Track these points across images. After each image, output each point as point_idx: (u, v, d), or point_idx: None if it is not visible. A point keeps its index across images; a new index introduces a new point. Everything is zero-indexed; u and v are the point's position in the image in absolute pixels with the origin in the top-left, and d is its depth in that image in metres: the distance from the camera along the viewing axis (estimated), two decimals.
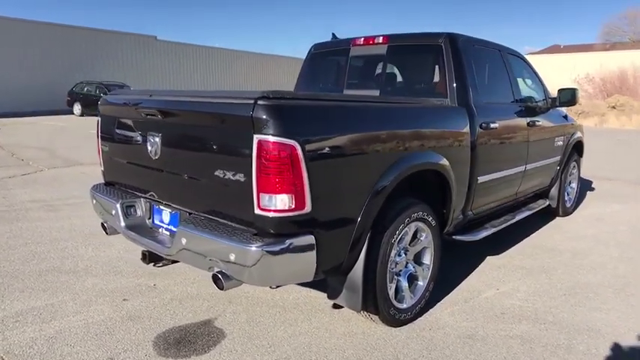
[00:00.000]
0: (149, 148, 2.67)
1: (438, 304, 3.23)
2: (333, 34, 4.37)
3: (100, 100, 3.23)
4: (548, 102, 4.74)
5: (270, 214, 2.12)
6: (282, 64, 37.56)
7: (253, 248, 2.09)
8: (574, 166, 5.68)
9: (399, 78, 3.92)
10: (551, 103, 4.75)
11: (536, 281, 3.69)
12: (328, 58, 4.34)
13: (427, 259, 3.09)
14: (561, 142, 5.09)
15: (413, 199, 2.86)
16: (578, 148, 5.67)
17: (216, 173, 2.28)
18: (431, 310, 3.12)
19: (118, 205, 2.85)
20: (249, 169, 2.12)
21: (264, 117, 2.06)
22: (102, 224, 3.12)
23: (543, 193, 5.15)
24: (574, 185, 5.78)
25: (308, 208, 2.17)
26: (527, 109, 4.30)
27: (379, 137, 2.59)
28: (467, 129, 3.32)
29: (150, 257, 2.86)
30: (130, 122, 2.88)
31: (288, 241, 2.13)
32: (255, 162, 2.09)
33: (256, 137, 2.08)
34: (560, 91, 4.66)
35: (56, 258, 3.97)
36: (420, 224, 2.93)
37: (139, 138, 2.77)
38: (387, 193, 2.56)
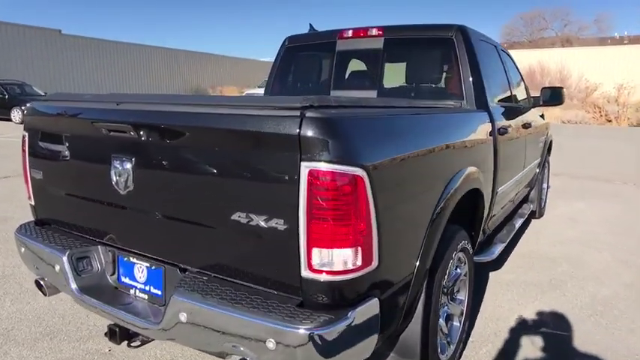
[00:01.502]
0: (114, 178, 1.87)
1: (469, 341, 2.74)
2: (311, 25, 3.73)
3: (26, 109, 2.32)
4: (530, 101, 4.48)
5: (325, 277, 1.47)
6: (211, 62, 35.65)
7: (301, 331, 1.42)
8: (546, 166, 5.54)
9: (401, 77, 3.37)
10: (533, 101, 4.48)
11: (553, 300, 3.36)
12: (307, 53, 3.69)
13: (462, 294, 2.58)
14: (542, 143, 4.88)
15: (455, 226, 2.33)
16: (549, 147, 5.53)
17: (236, 217, 1.57)
18: (466, 352, 2.63)
19: (65, 259, 2.01)
20: (294, 212, 1.45)
21: (318, 135, 1.40)
22: (36, 282, 2.24)
23: (526, 197, 4.91)
24: (545, 185, 5.64)
25: (375, 262, 1.54)
26: (522, 109, 3.97)
27: (437, 152, 2.03)
28: (490, 136, 2.86)
29: (122, 334, 2.01)
30: (80, 141, 2.05)
31: (349, 316, 1.49)
32: (305, 201, 1.43)
33: (306, 165, 1.41)
34: (545, 89, 4.39)
35: None
36: (461, 255, 2.42)
37: (97, 163, 1.95)
38: (444, 222, 2.01)
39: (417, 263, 1.87)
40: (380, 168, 1.55)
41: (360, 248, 1.47)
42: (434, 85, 3.20)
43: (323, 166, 1.40)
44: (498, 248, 3.34)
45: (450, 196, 2.08)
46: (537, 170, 4.91)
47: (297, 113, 1.42)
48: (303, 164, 1.41)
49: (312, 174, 1.41)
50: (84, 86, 26.08)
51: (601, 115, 17.18)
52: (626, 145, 12.47)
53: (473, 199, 2.56)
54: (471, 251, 2.53)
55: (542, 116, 5.06)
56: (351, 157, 1.44)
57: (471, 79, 2.94)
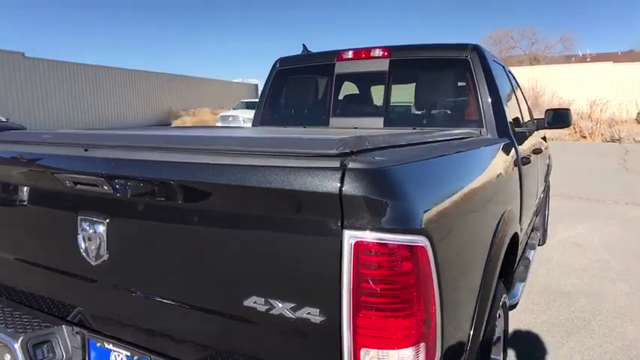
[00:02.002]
0: (83, 244, 1.44)
1: None
2: (304, 45, 3.38)
3: None
4: (534, 123, 4.22)
5: None
6: (183, 84, 34.83)
7: None
8: (549, 190, 5.30)
9: (409, 102, 3.04)
10: (537, 124, 4.23)
11: (581, 343, 3.03)
12: (301, 77, 3.33)
13: (499, 353, 2.21)
14: (546, 167, 4.63)
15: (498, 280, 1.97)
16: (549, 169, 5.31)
17: (250, 303, 1.16)
18: None
19: (18, 347, 1.55)
20: (333, 299, 1.06)
21: (367, 194, 1.03)
22: None
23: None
24: (547, 210, 5.39)
25: (438, 356, 1.15)
26: (530, 132, 3.70)
27: (485, 195, 1.70)
28: (515, 166, 2.54)
29: None
30: (39, 195, 1.61)
31: None
32: (350, 284, 1.04)
33: (351, 235, 1.03)
34: (549, 111, 4.14)
35: None
36: (500, 311, 2.06)
37: (60, 224, 1.52)
38: (495, 279, 1.66)
39: (471, 334, 1.50)
40: (442, 230, 1.18)
41: (423, 344, 1.08)
42: (448, 111, 2.87)
43: (374, 236, 1.02)
44: (520, 288, 3.01)
45: (498, 247, 1.74)
46: (542, 195, 4.65)
47: (336, 164, 1.04)
48: (347, 233, 1.04)
49: (360, 247, 1.03)
50: (49, 112, 25.06)
51: (575, 132, 17.37)
52: (603, 161, 12.53)
53: (510, 243, 2.22)
54: (507, 303, 2.18)
55: (544, 138, 4.82)
56: (410, 221, 1.07)
57: (490, 103, 2.63)
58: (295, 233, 1.11)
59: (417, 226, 1.07)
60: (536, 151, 3.61)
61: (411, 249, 1.05)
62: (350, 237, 1.03)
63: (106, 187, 1.35)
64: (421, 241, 1.06)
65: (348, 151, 1.09)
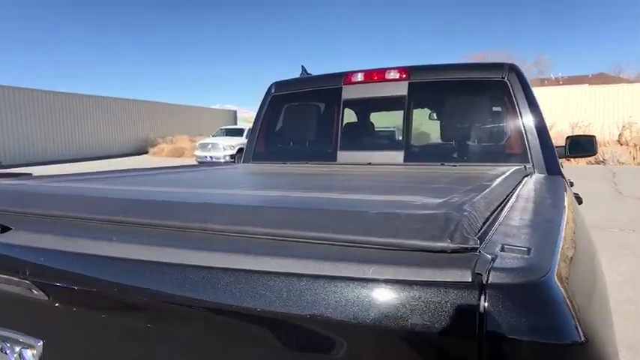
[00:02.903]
0: None
1: None
2: (303, 67, 2.92)
3: None
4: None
5: None
6: (160, 110, 34.01)
7: None
8: None
9: (434, 132, 2.58)
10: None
11: None
12: (301, 104, 2.85)
13: None
14: None
15: None
16: None
17: None
18: None
19: None
20: None
21: (530, 338, 0.52)
22: None
23: None
24: None
25: None
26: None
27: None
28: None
29: None
30: None
31: None
32: None
33: None
34: (571, 138, 3.75)
35: None
36: None
37: None
38: None
39: None
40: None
41: None
42: (484, 143, 2.41)
43: None
44: None
45: None
46: None
47: (464, 275, 0.55)
48: None
49: None
50: (19, 142, 23.97)
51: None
52: (594, 185, 12.35)
53: None
54: None
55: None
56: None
57: (535, 133, 2.19)
58: None
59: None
60: (571, 184, 3.18)
61: None
62: None
63: (35, 292, 0.82)
64: None
65: (475, 246, 0.62)
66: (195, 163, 17.56)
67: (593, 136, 3.70)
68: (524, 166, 2.17)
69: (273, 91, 2.90)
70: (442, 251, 0.65)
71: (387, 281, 0.63)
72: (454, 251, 0.64)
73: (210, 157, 18.07)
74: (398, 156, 2.46)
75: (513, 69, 2.31)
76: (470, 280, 0.58)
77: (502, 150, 2.34)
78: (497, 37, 73.51)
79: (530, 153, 2.19)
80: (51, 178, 1.80)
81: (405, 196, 1.08)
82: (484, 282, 0.58)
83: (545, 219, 1.01)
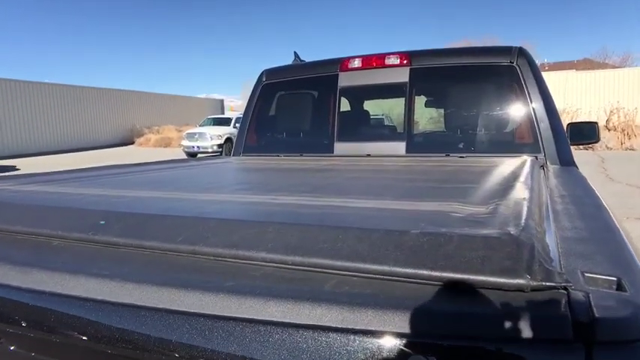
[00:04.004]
0: None
1: None
2: (296, 53, 2.74)
3: None
4: None
5: None
6: (145, 100, 33.21)
7: None
8: None
9: (438, 121, 2.42)
10: None
11: None
12: (295, 92, 2.68)
13: None
14: None
15: None
16: None
17: None
18: None
19: None
20: None
21: None
22: None
23: None
24: None
25: None
26: None
27: None
28: None
29: None
30: None
31: None
32: None
33: None
34: (572, 125, 3.63)
35: None
36: None
37: None
38: None
39: None
40: None
41: None
42: (492, 132, 2.26)
43: None
44: None
45: None
46: None
47: (565, 333, 0.40)
48: None
49: None
50: (1, 134, 23.37)
51: None
52: (584, 171, 12.36)
53: None
54: None
55: None
56: None
57: (547, 121, 2.05)
58: None
59: None
60: None
61: None
62: None
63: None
64: None
65: (567, 285, 0.46)
66: (183, 153, 17.25)
67: (596, 123, 3.57)
68: (536, 157, 2.03)
69: (264, 79, 2.71)
70: (519, 290, 0.49)
71: (441, 336, 0.47)
72: (535, 289, 0.49)
73: (198, 146, 17.74)
74: (399, 147, 2.30)
75: (523, 53, 2.16)
76: (571, 336, 0.43)
77: (511, 140, 2.20)
78: (483, 24, 73.40)
79: (542, 143, 2.05)
80: (11, 180, 1.60)
81: (436, 201, 0.92)
82: (591, 339, 0.43)
83: (600, 226, 0.87)
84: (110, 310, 0.61)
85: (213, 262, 0.70)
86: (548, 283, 0.49)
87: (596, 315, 0.45)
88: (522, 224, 0.63)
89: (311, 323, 0.53)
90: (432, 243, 0.58)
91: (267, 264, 0.67)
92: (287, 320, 0.54)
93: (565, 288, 0.50)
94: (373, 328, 0.50)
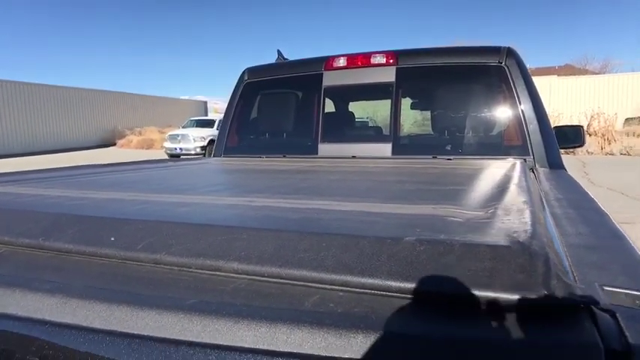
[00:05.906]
0: None
1: None
2: (279, 51, 2.65)
3: None
4: None
5: None
6: (127, 101, 32.71)
7: None
8: None
9: (425, 122, 2.36)
10: None
11: None
12: (277, 91, 2.59)
13: None
14: None
15: None
16: None
17: None
18: None
19: None
20: None
21: None
22: None
23: None
24: None
25: None
26: None
27: None
28: None
29: None
30: None
31: None
32: None
33: None
34: (558, 129, 3.61)
35: None
36: None
37: None
38: None
39: None
40: None
41: None
42: (480, 134, 2.21)
43: None
44: None
45: None
46: None
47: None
48: None
49: None
50: None
51: None
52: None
53: None
54: None
55: None
56: None
57: (536, 122, 2.00)
58: None
59: None
60: None
61: None
62: None
63: None
64: None
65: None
66: (165, 155, 16.99)
67: (581, 126, 3.55)
68: (525, 159, 1.98)
69: (246, 77, 2.62)
70: (534, 309, 0.41)
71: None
72: (554, 309, 0.41)
73: (180, 148, 17.49)
74: (385, 149, 2.23)
75: (512, 53, 2.11)
76: None
77: (500, 142, 2.15)
78: (462, 28, 74.35)
79: (531, 145, 2.00)
80: None
81: (429, 204, 0.84)
82: None
83: (605, 232, 0.80)
84: (49, 332, 0.52)
85: (176, 273, 0.61)
86: (569, 301, 0.42)
87: (631, 341, 0.38)
88: (530, 231, 0.56)
89: (289, 350, 0.44)
90: (431, 252, 0.50)
91: (239, 276, 0.58)
92: (260, 347, 0.45)
93: (588, 307, 0.42)
94: (364, 357, 0.42)
